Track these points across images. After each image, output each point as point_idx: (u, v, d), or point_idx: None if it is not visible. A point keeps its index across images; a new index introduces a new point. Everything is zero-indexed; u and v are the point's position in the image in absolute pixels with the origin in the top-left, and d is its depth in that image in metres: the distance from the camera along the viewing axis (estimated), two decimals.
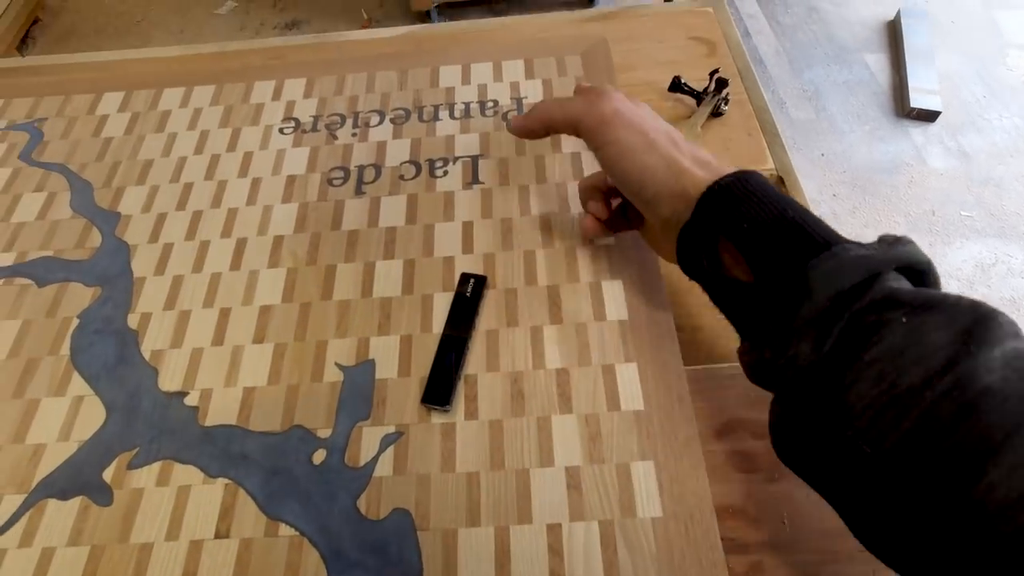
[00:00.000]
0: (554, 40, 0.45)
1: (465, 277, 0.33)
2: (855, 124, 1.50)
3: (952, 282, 1.22)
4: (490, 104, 0.41)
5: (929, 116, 1.46)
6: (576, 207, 0.36)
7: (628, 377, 0.30)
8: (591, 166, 0.38)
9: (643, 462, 0.28)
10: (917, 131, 1.46)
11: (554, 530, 0.27)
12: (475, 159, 0.39)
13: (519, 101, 0.41)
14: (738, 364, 0.25)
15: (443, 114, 0.41)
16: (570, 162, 0.38)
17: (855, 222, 1.35)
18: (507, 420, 0.29)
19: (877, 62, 1.58)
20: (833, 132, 1.47)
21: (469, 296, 0.32)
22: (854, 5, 1.68)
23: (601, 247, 0.35)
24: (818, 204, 1.23)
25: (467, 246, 0.35)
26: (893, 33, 1.60)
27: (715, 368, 0.32)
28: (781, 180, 0.43)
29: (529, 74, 0.43)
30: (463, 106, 0.41)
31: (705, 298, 0.27)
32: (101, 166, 0.41)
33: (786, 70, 1.62)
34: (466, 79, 0.43)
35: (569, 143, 0.39)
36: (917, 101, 1.45)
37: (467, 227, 0.36)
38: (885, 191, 1.36)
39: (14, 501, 0.29)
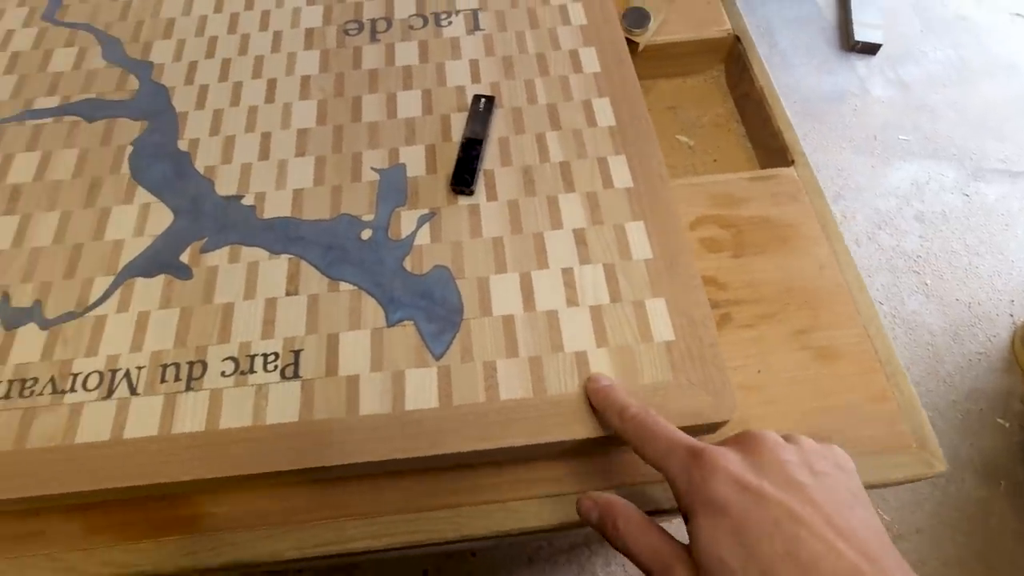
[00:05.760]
0: None
1: (477, 97, 0.39)
2: (804, 58, 1.59)
3: (891, 199, 1.33)
4: None
5: (871, 49, 1.56)
6: (571, 43, 0.42)
7: (618, 165, 0.36)
8: (580, 15, 0.43)
9: (635, 222, 0.34)
10: (861, 63, 1.56)
11: (567, 272, 0.33)
12: (475, 12, 0.44)
13: None
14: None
15: None
16: (559, 12, 0.44)
17: (807, 147, 1.45)
18: (521, 199, 0.35)
19: None
20: (784, 66, 1.56)
21: (482, 110, 0.38)
22: None
23: (590, 75, 0.40)
24: None
25: (475, 78, 0.40)
26: None
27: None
28: (738, 39, 0.50)
29: None
30: None
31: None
32: (125, 24, 0.44)
33: (741, 6, 1.70)
34: None
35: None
36: (861, 35, 1.55)
37: (473, 64, 0.41)
38: (832, 119, 1.46)
39: (105, 281, 0.34)
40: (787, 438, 0.25)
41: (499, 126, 0.38)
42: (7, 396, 0.30)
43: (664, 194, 0.35)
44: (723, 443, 0.25)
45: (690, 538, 0.23)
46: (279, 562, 0.32)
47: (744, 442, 0.24)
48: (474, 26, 0.43)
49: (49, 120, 0.40)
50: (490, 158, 0.37)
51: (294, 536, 0.32)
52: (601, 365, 0.30)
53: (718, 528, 0.22)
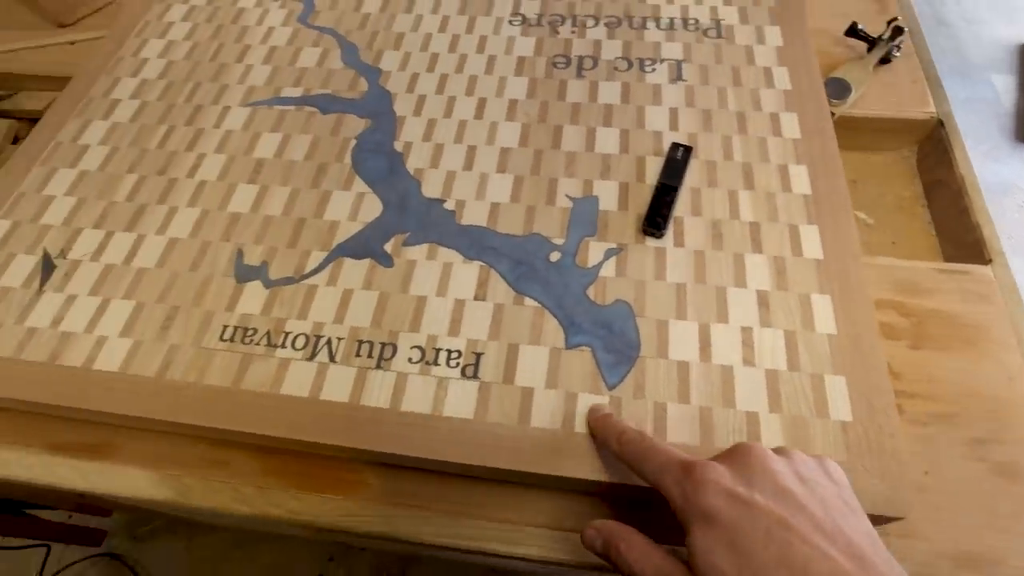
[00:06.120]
0: None
1: (675, 145, 0.40)
2: (970, 141, 1.49)
3: None
4: (692, 21, 0.48)
5: None
6: (773, 106, 0.42)
7: (810, 235, 0.36)
8: (784, 80, 0.44)
9: (822, 295, 0.34)
10: None
11: (746, 331, 0.33)
12: (679, 63, 0.45)
13: (718, 23, 0.48)
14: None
15: (650, 24, 0.48)
16: (763, 75, 0.44)
17: None
18: (708, 251, 0.36)
19: (1004, 83, 1.55)
20: None
21: (679, 159, 0.39)
22: (987, 23, 1.65)
23: (789, 140, 0.41)
24: None
25: (673, 126, 0.42)
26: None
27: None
28: (941, 123, 0.48)
29: (727, 2, 0.49)
30: (667, 20, 0.48)
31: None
32: (363, 33, 0.50)
33: None
34: (670, 0, 0.49)
35: (766, 61, 0.45)
36: None
37: (673, 112, 0.43)
38: (991, 210, 1.35)
39: (319, 255, 0.38)
40: (777, 451, 0.25)
41: (692, 176, 0.39)
42: (231, 340, 0.35)
43: (855, 272, 0.35)
44: (716, 457, 0.25)
45: (687, 550, 0.23)
46: (413, 543, 0.34)
47: (735, 455, 0.25)
48: (677, 76, 0.45)
49: (292, 108, 0.45)
50: (681, 205, 0.38)
51: (436, 523, 0.34)
52: (772, 430, 0.30)
53: (712, 538, 0.22)
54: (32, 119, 0.58)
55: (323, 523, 0.34)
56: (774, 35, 0.46)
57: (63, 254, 0.39)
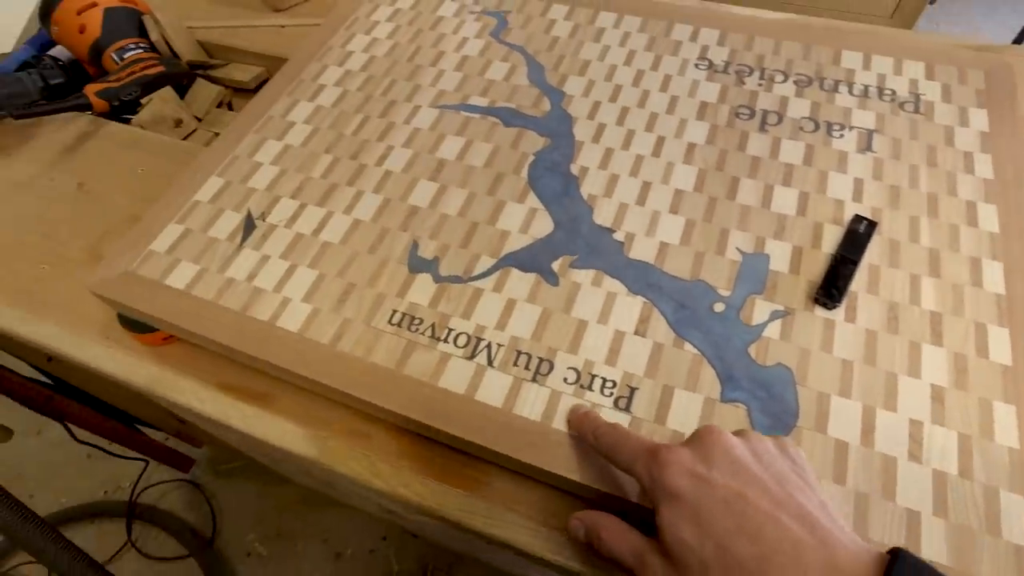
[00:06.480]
0: (955, 52, 0.48)
1: (859, 217, 0.39)
2: None
3: None
4: (888, 92, 0.46)
5: None
6: (970, 194, 0.40)
7: (999, 339, 0.34)
8: (987, 168, 0.42)
9: (1006, 405, 0.32)
10: None
11: (915, 424, 0.32)
12: (870, 132, 0.44)
13: (917, 97, 0.46)
14: None
15: (842, 88, 0.47)
16: (962, 159, 0.42)
17: None
18: (881, 334, 0.35)
19: None
20: None
21: (861, 232, 0.38)
22: None
23: (985, 233, 0.39)
24: None
25: (857, 197, 0.41)
26: None
27: None
28: None
29: (929, 76, 0.47)
30: (862, 87, 0.47)
31: None
32: (550, 55, 0.52)
33: None
34: (867, 66, 0.48)
35: (968, 145, 0.43)
36: None
37: (858, 183, 0.42)
38: None
39: (488, 261, 0.40)
40: (737, 433, 0.28)
41: (872, 252, 0.38)
42: (399, 324, 0.38)
43: None
44: (682, 442, 0.28)
45: (656, 527, 0.26)
46: (522, 553, 0.35)
47: (696, 438, 0.27)
48: (866, 146, 0.43)
49: (477, 116, 0.48)
50: (856, 281, 0.37)
51: (546, 537, 0.34)
52: (933, 537, 0.29)
53: (676, 514, 0.25)
54: (237, 88, 0.65)
55: (445, 513, 0.36)
56: (979, 119, 0.44)
57: (263, 217, 0.43)
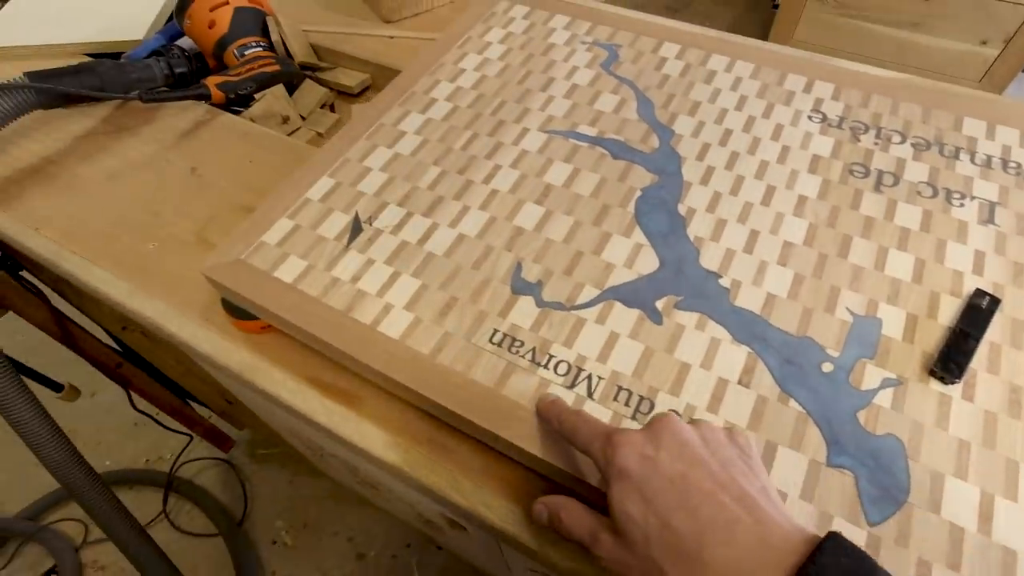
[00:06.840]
0: None
1: (981, 292, 0.38)
2: None
3: None
4: (1013, 164, 0.45)
5: None
6: None
7: None
8: None
9: None
10: None
11: None
12: (992, 204, 0.43)
13: None
14: None
15: (963, 156, 0.46)
16: None
17: None
18: (1002, 417, 0.34)
19: None
20: None
21: (983, 308, 0.37)
22: None
23: None
24: None
25: (977, 270, 0.40)
26: None
27: None
28: None
29: None
30: (984, 156, 0.46)
31: None
32: (660, 92, 0.52)
33: None
34: (990, 135, 0.47)
35: None
36: None
37: (978, 255, 0.40)
38: None
39: (592, 292, 0.40)
40: (691, 422, 0.30)
41: (994, 330, 0.37)
42: (499, 345, 0.38)
43: None
44: (639, 429, 0.29)
45: (607, 503, 0.28)
46: None
47: (651, 424, 0.29)
48: (988, 218, 0.42)
49: (585, 145, 0.48)
50: (976, 358, 0.36)
51: None
52: None
53: (625, 491, 0.27)
54: (340, 91, 0.67)
55: (525, 540, 0.36)
56: None
57: (369, 221, 0.45)
